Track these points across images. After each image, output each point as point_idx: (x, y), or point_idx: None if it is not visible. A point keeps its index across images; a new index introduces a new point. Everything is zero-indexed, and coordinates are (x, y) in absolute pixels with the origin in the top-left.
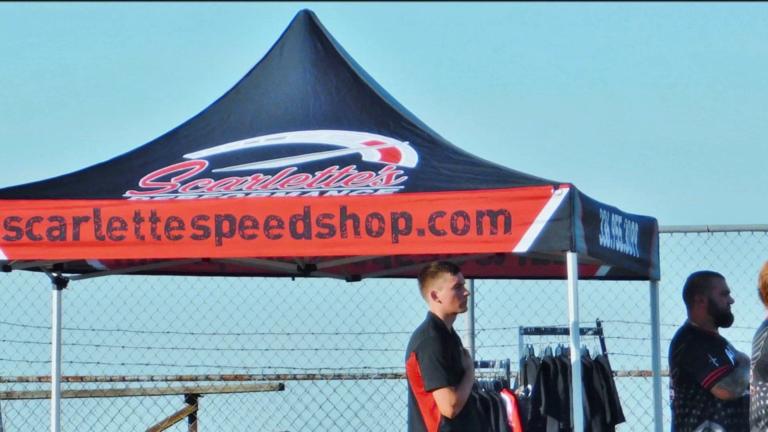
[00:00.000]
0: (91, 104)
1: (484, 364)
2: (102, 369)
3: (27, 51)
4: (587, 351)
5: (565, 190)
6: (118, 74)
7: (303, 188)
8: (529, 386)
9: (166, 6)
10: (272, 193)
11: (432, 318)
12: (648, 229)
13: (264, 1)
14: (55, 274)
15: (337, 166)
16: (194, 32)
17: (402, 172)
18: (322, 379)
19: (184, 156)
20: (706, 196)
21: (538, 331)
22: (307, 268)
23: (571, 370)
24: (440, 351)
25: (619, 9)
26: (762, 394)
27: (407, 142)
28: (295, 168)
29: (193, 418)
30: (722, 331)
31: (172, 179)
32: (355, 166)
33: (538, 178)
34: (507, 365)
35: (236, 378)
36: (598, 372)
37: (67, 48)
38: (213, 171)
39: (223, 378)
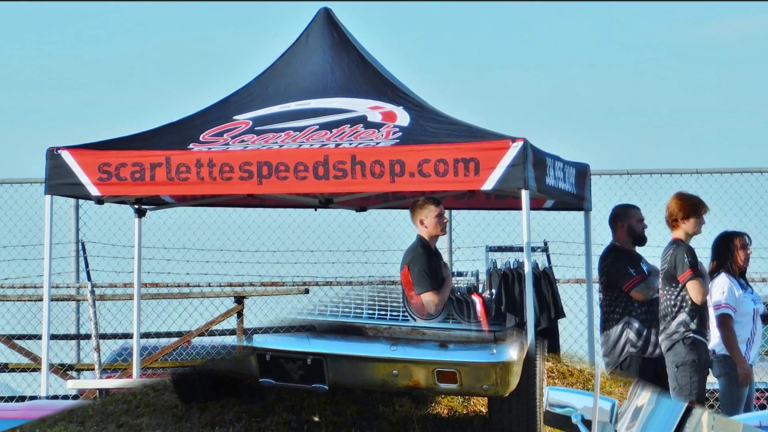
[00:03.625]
0: (163, 79)
1: (459, 274)
2: (172, 278)
3: (115, 41)
4: (537, 264)
5: (520, 143)
6: (183, 57)
7: (323, 141)
8: (493, 290)
9: (219, 5)
10: (300, 145)
11: (420, 239)
12: (582, 172)
13: (293, 1)
14: (136, 206)
15: (349, 125)
16: (241, 25)
17: (397, 129)
18: (337, 285)
19: (234, 117)
20: (627, 146)
21: (500, 249)
22: (326, 201)
23: (524, 279)
24: (426, 264)
25: (565, 5)
26: (668, 296)
27: (401, 107)
28: (317, 126)
29: (240, 315)
30: (638, 249)
31: (225, 135)
32: (362, 125)
33: (500, 134)
34: (476, 275)
35: (272, 284)
36: (545, 280)
37: (145, 36)
38: (255, 128)
39: (262, 284)
